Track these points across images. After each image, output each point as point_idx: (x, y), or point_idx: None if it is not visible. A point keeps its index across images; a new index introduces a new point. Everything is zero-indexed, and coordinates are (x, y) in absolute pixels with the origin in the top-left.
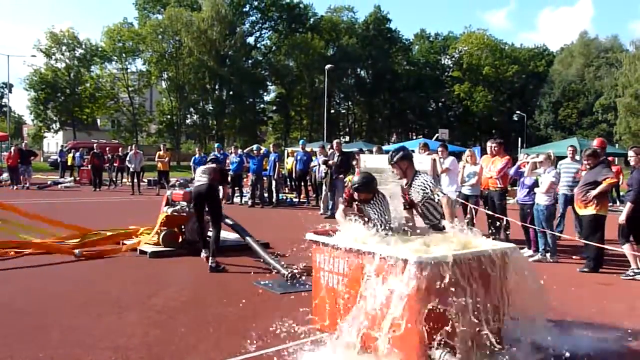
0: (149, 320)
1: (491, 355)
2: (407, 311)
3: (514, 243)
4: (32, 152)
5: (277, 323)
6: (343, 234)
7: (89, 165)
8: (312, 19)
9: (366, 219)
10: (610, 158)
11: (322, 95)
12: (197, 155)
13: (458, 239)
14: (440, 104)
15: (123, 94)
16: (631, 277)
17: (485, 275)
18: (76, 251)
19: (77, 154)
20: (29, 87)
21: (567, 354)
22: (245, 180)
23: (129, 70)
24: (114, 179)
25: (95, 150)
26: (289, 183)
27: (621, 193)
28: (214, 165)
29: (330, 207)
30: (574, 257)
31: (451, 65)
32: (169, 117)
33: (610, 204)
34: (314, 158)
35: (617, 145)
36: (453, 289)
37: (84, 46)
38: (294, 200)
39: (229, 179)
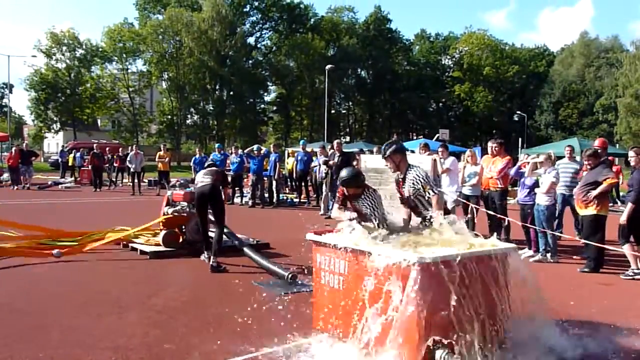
0: (149, 321)
1: (492, 355)
2: (408, 311)
3: (514, 243)
4: (33, 153)
5: (277, 323)
6: (341, 236)
7: (89, 166)
8: (312, 19)
9: (363, 215)
10: (610, 158)
11: (322, 95)
12: (197, 156)
13: (442, 238)
14: (440, 104)
15: (123, 94)
16: (631, 277)
17: (487, 276)
18: (54, 251)
19: (78, 155)
20: (29, 88)
21: (568, 354)
22: (245, 180)
23: (129, 71)
24: (114, 179)
25: (95, 151)
26: (289, 183)
27: (621, 193)
28: (215, 167)
29: (330, 207)
30: (574, 257)
31: (451, 65)
32: (169, 117)
33: (611, 204)
34: (314, 158)
35: (617, 145)
36: (454, 289)
37: (84, 46)
38: (295, 200)
39: (230, 179)
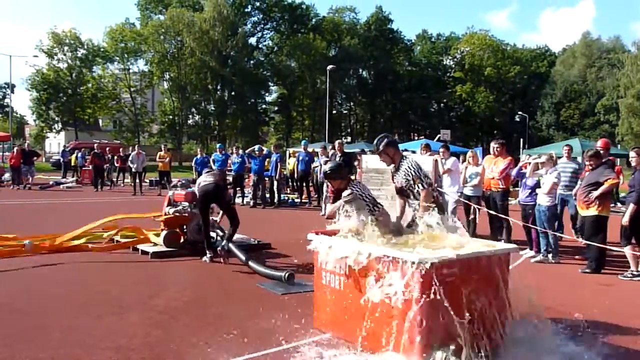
0: (151, 321)
1: (493, 355)
2: (409, 311)
3: (515, 244)
4: (34, 153)
5: (278, 323)
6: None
7: (91, 166)
8: (314, 20)
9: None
10: (610, 158)
11: (323, 95)
12: (198, 156)
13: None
14: (442, 104)
15: (125, 95)
16: (629, 279)
17: (487, 276)
18: (26, 242)
19: (80, 155)
20: (31, 88)
21: (568, 355)
22: (247, 180)
23: (130, 71)
24: (113, 179)
25: (96, 151)
26: (290, 184)
27: (622, 194)
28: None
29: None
30: (576, 257)
31: (453, 66)
32: (170, 117)
33: (612, 204)
34: (315, 159)
35: (619, 146)
36: (455, 289)
37: (86, 46)
38: (296, 200)
39: (231, 179)
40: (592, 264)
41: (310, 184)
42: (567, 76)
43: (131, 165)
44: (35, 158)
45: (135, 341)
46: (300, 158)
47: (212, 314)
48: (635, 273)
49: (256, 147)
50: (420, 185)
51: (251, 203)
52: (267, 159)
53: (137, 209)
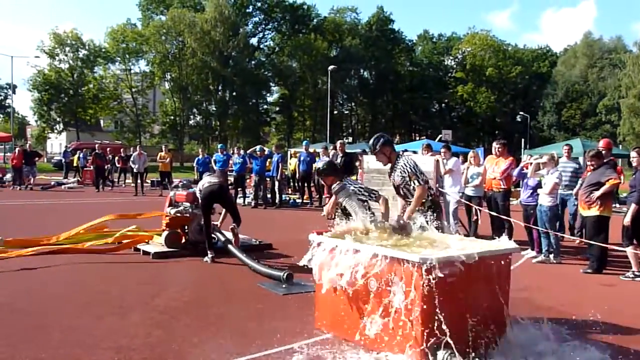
0: (152, 321)
1: (494, 356)
2: (410, 312)
3: (517, 244)
4: (36, 153)
5: (279, 323)
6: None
7: (92, 166)
8: (315, 20)
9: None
10: (612, 158)
11: (325, 96)
12: (200, 156)
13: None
14: (443, 105)
15: (126, 95)
16: (630, 279)
17: (488, 276)
18: None
19: (81, 155)
20: (32, 88)
21: (570, 355)
22: (248, 181)
23: (132, 71)
24: (113, 180)
25: (97, 151)
26: (292, 184)
27: (624, 194)
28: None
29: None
30: (577, 257)
31: (454, 66)
32: (172, 118)
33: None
34: (317, 159)
35: (620, 146)
36: (456, 289)
37: (87, 47)
38: (297, 201)
39: (232, 179)
40: (593, 264)
41: (312, 184)
42: (569, 76)
43: (133, 166)
44: (36, 159)
45: (137, 341)
46: (302, 158)
47: (213, 314)
48: (637, 273)
49: (257, 147)
50: (416, 181)
51: (252, 203)
52: (269, 160)
53: (138, 209)
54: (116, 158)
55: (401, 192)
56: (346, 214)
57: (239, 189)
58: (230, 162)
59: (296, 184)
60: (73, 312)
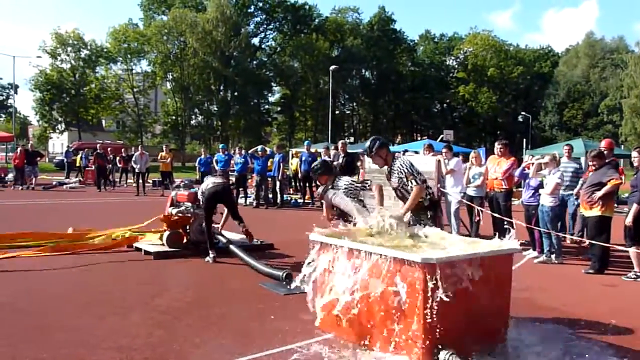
0: (153, 321)
1: (495, 356)
2: (412, 312)
3: (519, 244)
4: (38, 153)
5: (281, 324)
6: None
7: (93, 166)
8: (316, 20)
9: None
10: (613, 159)
11: (326, 96)
12: (202, 156)
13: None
14: (445, 105)
15: (128, 95)
16: (633, 279)
17: (490, 276)
18: None
19: (83, 155)
20: (34, 88)
21: (571, 355)
22: (249, 181)
23: (134, 71)
24: (114, 180)
25: (98, 151)
26: (293, 184)
27: (625, 195)
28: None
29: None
30: (579, 257)
31: (456, 66)
32: (173, 117)
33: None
34: (318, 159)
35: (622, 146)
36: (458, 289)
37: (89, 47)
38: (299, 201)
39: (234, 179)
40: (595, 265)
41: (313, 184)
42: (571, 76)
43: (135, 166)
44: (38, 158)
45: (138, 341)
46: (303, 158)
47: (214, 314)
48: (639, 274)
49: (259, 147)
50: (413, 181)
51: (254, 203)
52: (270, 160)
53: (140, 209)
54: (117, 158)
55: (399, 193)
56: (342, 214)
57: (240, 189)
58: (232, 162)
59: (298, 184)
60: (74, 312)
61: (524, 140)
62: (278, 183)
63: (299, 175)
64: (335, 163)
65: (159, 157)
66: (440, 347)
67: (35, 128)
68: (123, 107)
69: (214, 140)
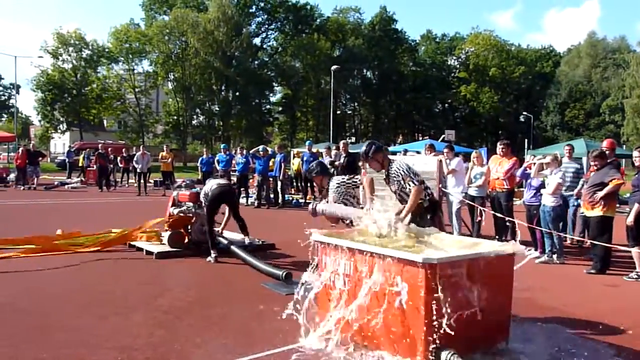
0: (155, 321)
1: (496, 355)
2: (413, 312)
3: (520, 244)
4: (39, 153)
5: (282, 323)
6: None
7: (95, 166)
8: (318, 20)
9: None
10: (615, 159)
11: (328, 96)
12: (204, 156)
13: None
14: (446, 105)
15: (129, 95)
16: (634, 280)
17: (491, 276)
18: None
19: (85, 155)
20: (36, 88)
21: (572, 355)
22: (251, 181)
23: (135, 71)
24: (115, 180)
25: (100, 151)
26: (295, 184)
27: (626, 195)
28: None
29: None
30: (581, 258)
31: (457, 66)
32: (175, 117)
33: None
34: (320, 159)
35: (624, 146)
36: (459, 290)
37: (90, 47)
38: (300, 201)
39: (235, 179)
40: (597, 265)
41: (314, 184)
42: (572, 76)
43: (136, 166)
44: (40, 158)
45: (139, 341)
46: (305, 158)
47: (216, 314)
48: None
49: (260, 147)
50: (411, 182)
51: (255, 203)
52: (272, 160)
53: (141, 209)
54: (118, 158)
55: (399, 197)
56: (341, 218)
57: (241, 189)
58: (233, 162)
59: (299, 184)
60: (75, 312)
61: (526, 140)
62: (279, 183)
63: (301, 175)
64: (336, 163)
65: (159, 157)
66: (441, 347)
67: (37, 128)
68: (124, 107)
69: (216, 140)
